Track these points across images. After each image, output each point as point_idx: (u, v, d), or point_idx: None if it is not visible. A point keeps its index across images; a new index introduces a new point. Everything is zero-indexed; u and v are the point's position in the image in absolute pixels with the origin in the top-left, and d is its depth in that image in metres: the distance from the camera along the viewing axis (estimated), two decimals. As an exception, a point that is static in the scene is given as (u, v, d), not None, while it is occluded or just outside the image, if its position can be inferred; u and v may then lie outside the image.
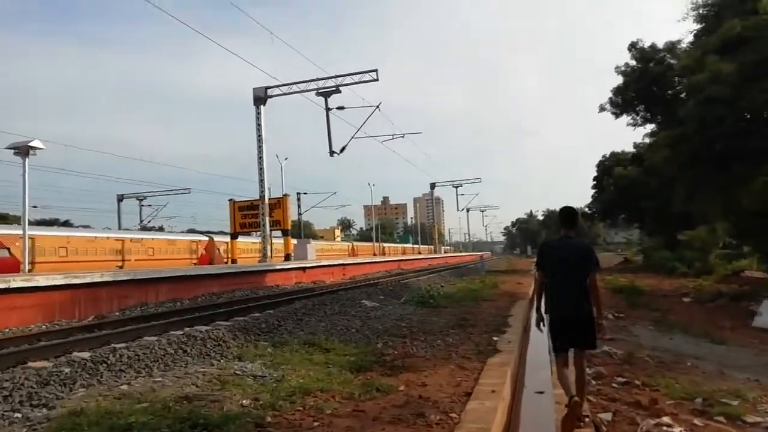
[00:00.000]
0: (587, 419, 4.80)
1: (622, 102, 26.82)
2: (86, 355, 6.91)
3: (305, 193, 52.50)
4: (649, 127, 29.25)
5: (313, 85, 25.55)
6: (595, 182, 43.61)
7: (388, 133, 29.42)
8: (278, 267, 21.94)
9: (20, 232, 34.49)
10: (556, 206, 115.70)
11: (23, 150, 14.74)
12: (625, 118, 28.13)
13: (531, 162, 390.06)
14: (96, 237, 38.70)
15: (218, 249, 45.95)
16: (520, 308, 14.41)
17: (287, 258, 28.41)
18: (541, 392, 7.44)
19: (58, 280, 12.26)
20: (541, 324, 5.26)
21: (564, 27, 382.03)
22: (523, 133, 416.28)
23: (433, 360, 7.71)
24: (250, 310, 12.35)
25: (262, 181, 25.91)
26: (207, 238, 47.26)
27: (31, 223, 65.05)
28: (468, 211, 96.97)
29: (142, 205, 58.82)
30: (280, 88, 25.98)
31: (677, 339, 11.49)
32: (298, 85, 25.78)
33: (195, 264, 42.80)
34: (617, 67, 26.43)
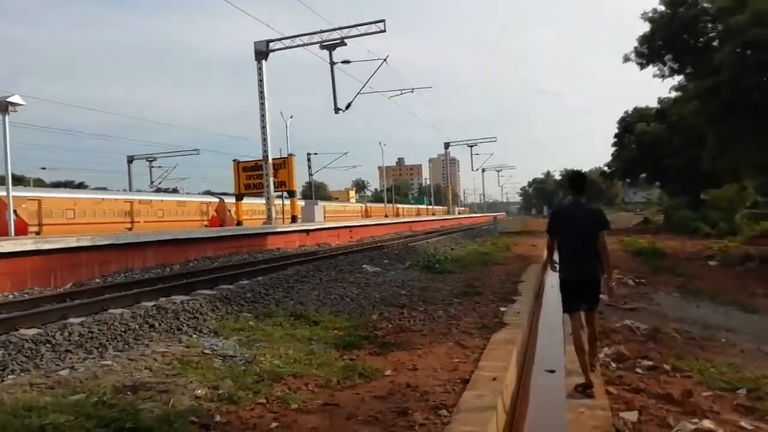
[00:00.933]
0: (591, 390, 4.72)
1: (649, 51, 24.81)
2: (31, 332, 6.13)
3: (315, 154, 51.38)
4: (677, 80, 27.40)
5: (316, 38, 24.13)
6: (615, 139, 41.65)
7: (398, 89, 27.79)
8: (279, 230, 21.10)
9: (26, 193, 34.38)
10: (574, 166, 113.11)
11: (2, 106, 13.89)
12: (651, 69, 26.17)
13: (548, 122, 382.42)
14: (104, 198, 38.31)
15: (229, 211, 45.44)
16: (532, 273, 13.46)
17: (293, 220, 27.60)
18: (552, 371, 6.58)
19: (28, 245, 11.50)
20: (555, 266, 5.38)
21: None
22: (540, 93, 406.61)
23: (430, 336, 6.84)
24: (241, 276, 11.52)
25: (264, 140, 24.85)
26: (217, 200, 46.79)
27: (45, 185, 65.43)
28: (483, 171, 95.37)
29: (152, 167, 58.42)
30: (283, 41, 24.60)
31: (705, 308, 10.47)
32: (301, 38, 24.36)
33: (206, 226, 42.43)
34: (644, 13, 24.40)
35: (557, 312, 10.02)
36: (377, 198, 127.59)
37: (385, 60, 23.71)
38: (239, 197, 29.42)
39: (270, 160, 25.13)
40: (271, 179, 25.20)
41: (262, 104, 24.68)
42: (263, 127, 24.80)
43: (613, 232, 33.69)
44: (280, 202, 31.41)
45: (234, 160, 28.75)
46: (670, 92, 30.32)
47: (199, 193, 57.49)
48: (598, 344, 5.44)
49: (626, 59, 25.73)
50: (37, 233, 31.78)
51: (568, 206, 5.41)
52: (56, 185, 67.15)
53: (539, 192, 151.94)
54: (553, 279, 13.53)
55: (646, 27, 24.87)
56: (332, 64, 23.90)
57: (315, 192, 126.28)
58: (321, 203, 34.24)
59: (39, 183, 66.23)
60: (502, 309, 8.54)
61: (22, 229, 30.77)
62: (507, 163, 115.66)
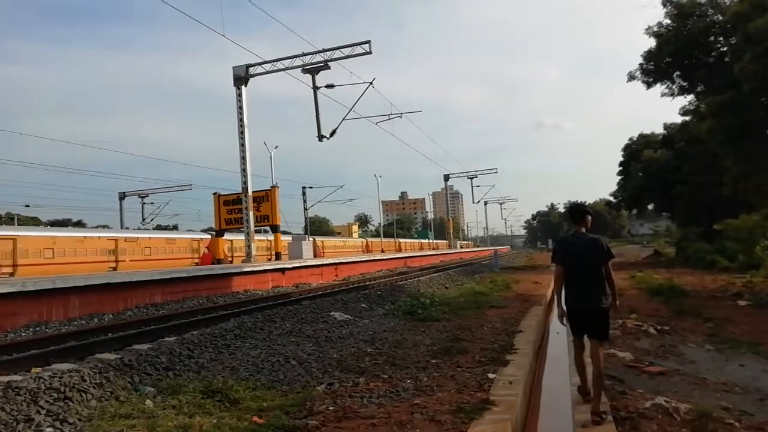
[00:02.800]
0: (605, 416, 4.81)
1: (655, 68, 22.97)
2: None
3: (311, 188, 49.65)
4: (687, 99, 25.54)
5: (299, 62, 22.64)
6: (621, 167, 39.67)
7: (386, 114, 26.00)
8: (247, 269, 19.00)
9: (1, 232, 32.55)
10: (578, 198, 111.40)
11: None
12: (659, 88, 24.27)
13: (551, 155, 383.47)
14: (86, 237, 36.61)
15: (224, 248, 43.58)
16: (533, 318, 11.37)
17: (277, 257, 25.64)
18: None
19: None
20: (564, 319, 5.40)
21: (581, 20, 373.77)
22: (542, 126, 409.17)
23: (383, 428, 4.78)
24: (178, 329, 9.49)
25: (244, 170, 23.09)
26: (209, 236, 44.98)
27: (41, 224, 63.70)
28: (486, 204, 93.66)
29: (144, 203, 56.88)
30: (263, 65, 23.13)
31: (751, 366, 8.31)
32: (282, 62, 22.88)
33: (197, 264, 40.50)
34: (648, 28, 22.60)
35: (563, 374, 7.87)
36: (380, 233, 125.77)
37: (371, 83, 22.16)
38: (219, 233, 27.51)
39: (250, 193, 23.30)
40: (251, 213, 23.32)
41: (242, 132, 23.03)
42: (242, 157, 23.07)
43: (623, 266, 31.57)
44: (266, 238, 29.38)
45: (214, 194, 26.97)
46: (680, 113, 28.41)
47: (202, 231, 55.80)
48: (603, 383, 5.22)
49: (631, 78, 23.99)
50: (11, 274, 29.93)
51: (570, 237, 5.46)
52: (53, 224, 65.72)
53: (543, 225, 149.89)
54: (558, 324, 11.43)
55: (651, 42, 23.26)
56: (315, 88, 22.33)
57: (318, 227, 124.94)
58: (311, 238, 32.17)
59: (35, 221, 64.83)
60: (491, 375, 6.48)
61: (-13, 270, 28.93)
62: (510, 195, 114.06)
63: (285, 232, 52.38)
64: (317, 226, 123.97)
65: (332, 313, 10.88)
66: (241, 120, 23.09)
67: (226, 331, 8.47)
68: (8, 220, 65.27)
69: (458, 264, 37.88)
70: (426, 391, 5.88)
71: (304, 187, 48.59)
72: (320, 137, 22.51)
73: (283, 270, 21.12)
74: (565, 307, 5.31)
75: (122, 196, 55.69)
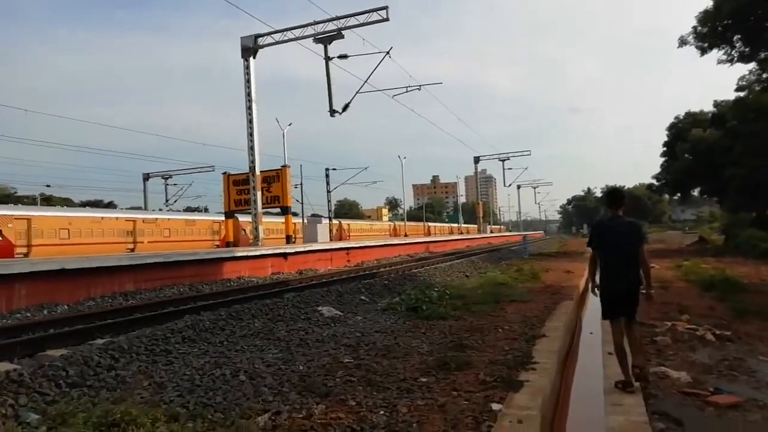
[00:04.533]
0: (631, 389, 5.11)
1: (711, 31, 20.06)
2: None
3: (334, 169, 48.01)
4: (746, 68, 22.54)
5: (310, 30, 20.87)
6: (665, 148, 36.55)
7: (403, 87, 23.80)
8: (239, 254, 17.45)
9: (16, 212, 32.09)
10: (616, 182, 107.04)
11: None
12: (715, 55, 21.21)
13: (587, 139, 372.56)
14: (103, 217, 36.09)
15: (243, 230, 42.68)
16: (562, 316, 9.49)
17: (288, 240, 24.19)
18: None
19: None
20: (596, 291, 5.57)
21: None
22: (578, 110, 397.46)
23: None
24: (116, 327, 7.91)
25: (251, 147, 21.60)
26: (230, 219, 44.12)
27: (73, 205, 64.20)
28: (519, 187, 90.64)
29: (167, 185, 56.37)
30: (272, 36, 21.46)
31: None
32: (292, 31, 21.15)
33: (217, 246, 39.70)
34: None
35: (597, 397, 6.04)
36: (411, 216, 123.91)
37: (387, 53, 20.22)
38: (229, 215, 26.17)
39: (258, 172, 21.82)
40: (259, 193, 21.87)
41: (249, 107, 21.50)
42: (250, 134, 21.57)
43: (666, 254, 28.96)
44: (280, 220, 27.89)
45: (224, 173, 25.61)
46: (736, 87, 25.33)
47: (218, 213, 55.11)
48: (644, 350, 5.69)
49: (683, 43, 21.12)
50: (26, 254, 29.46)
51: (607, 221, 5.59)
52: (85, 205, 66.18)
53: (579, 210, 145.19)
54: (593, 323, 9.56)
55: (707, 2, 20.17)
56: (327, 59, 20.56)
57: (348, 210, 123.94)
58: (335, 221, 30.53)
59: (67, 202, 65.40)
60: (495, 407, 4.75)
61: (7, 251, 28.46)
62: (544, 179, 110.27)
63: (315, 215, 51.21)
64: (347, 209, 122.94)
65: (320, 308, 9.23)
66: (248, 94, 21.55)
67: (173, 332, 6.90)
68: (33, 201, 66.21)
69: (485, 250, 35.79)
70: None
71: (327, 169, 46.87)
72: (332, 112, 20.77)
73: (285, 255, 19.60)
74: (599, 287, 5.50)
75: (146, 177, 55.35)
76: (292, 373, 5.83)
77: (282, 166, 24.42)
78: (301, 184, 54.45)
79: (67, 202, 65.37)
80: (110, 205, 72.69)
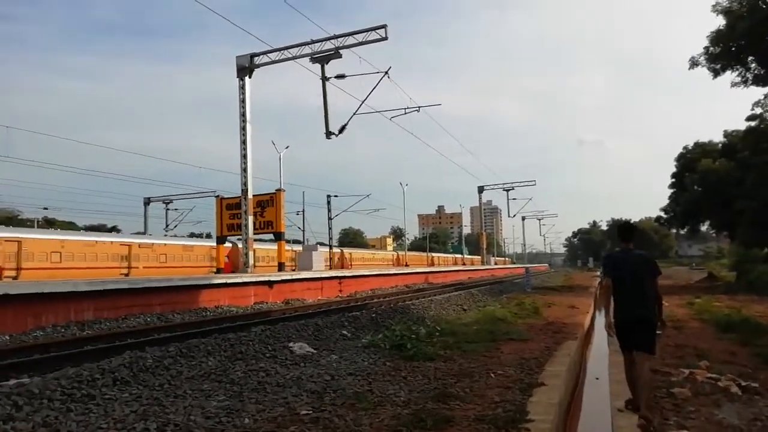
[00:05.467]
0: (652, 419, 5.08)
1: (724, 52, 19.15)
2: None
3: (336, 196, 47.24)
4: (761, 92, 21.48)
5: (308, 49, 20.29)
6: (673, 179, 35.51)
7: (402, 108, 22.95)
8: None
9: (5, 234, 31.32)
10: (621, 215, 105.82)
11: None
12: (728, 77, 20.14)
13: (593, 173, 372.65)
14: (97, 241, 35.38)
15: (243, 256, 41.74)
16: (564, 358, 8.42)
17: (280, 268, 23.21)
18: None
19: None
20: (611, 330, 5.53)
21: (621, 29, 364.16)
22: (583, 143, 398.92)
23: None
24: (41, 364, 6.85)
25: (245, 170, 20.82)
26: (230, 244, 43.32)
27: (77, 228, 63.40)
28: (524, 219, 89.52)
29: (168, 209, 55.62)
30: (269, 55, 20.90)
31: None
32: (289, 50, 20.59)
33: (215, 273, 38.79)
34: (716, 5, 19.04)
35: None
36: (415, 246, 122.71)
37: (386, 73, 19.56)
38: (221, 240, 25.26)
39: (250, 195, 20.99)
40: (251, 218, 21.00)
41: (243, 128, 20.81)
42: (243, 156, 20.82)
43: (674, 290, 27.65)
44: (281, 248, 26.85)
45: (217, 196, 24.81)
46: (753, 108, 24.37)
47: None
48: (649, 386, 5.58)
49: (694, 64, 20.25)
50: (15, 278, 28.61)
51: (620, 252, 5.62)
52: (88, 229, 65.46)
53: (585, 243, 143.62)
54: (599, 366, 8.71)
55: (719, 21, 19.27)
56: (324, 79, 19.93)
57: (352, 239, 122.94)
58: (321, 250, 29.53)
59: (71, 226, 64.71)
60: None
61: (-9, 273, 27.64)
62: (548, 210, 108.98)
63: (322, 244, 50.18)
64: (351, 238, 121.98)
65: (291, 345, 8.19)
66: (243, 114, 20.89)
67: (104, 372, 5.86)
68: (45, 223, 65.63)
69: (487, 282, 34.60)
70: None
71: (329, 196, 46.12)
72: (328, 134, 20.03)
73: (270, 283, 18.54)
74: (612, 320, 5.47)
75: (147, 202, 54.69)
76: (233, 429, 4.79)
77: (276, 190, 23.58)
78: (303, 210, 53.78)
79: (71, 226, 64.71)
80: (113, 230, 72.10)
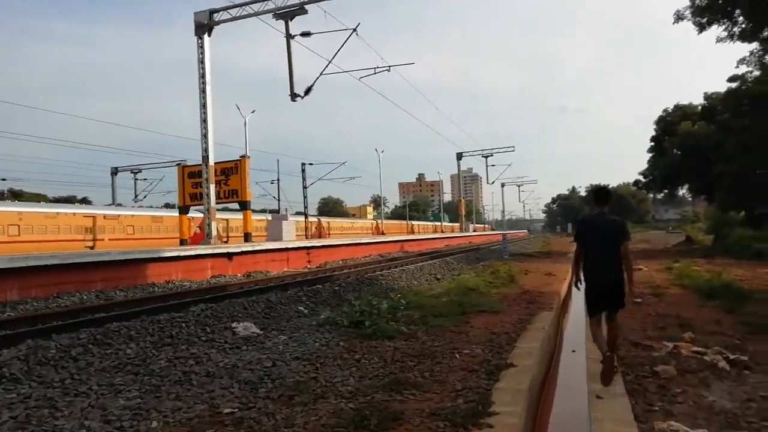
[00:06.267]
0: (616, 368, 5.34)
1: (711, 5, 18.21)
2: None
3: (311, 164, 45.90)
4: (747, 48, 20.59)
5: (271, 4, 18.87)
6: (652, 143, 34.94)
7: (371, 68, 21.53)
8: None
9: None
10: (600, 181, 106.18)
11: None
12: (714, 31, 19.15)
13: (572, 139, 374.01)
14: (58, 213, 33.84)
15: (217, 227, 40.53)
16: (538, 332, 7.72)
17: (246, 239, 22.20)
18: None
19: None
20: (578, 284, 5.70)
21: None
22: (565, 110, 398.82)
23: None
24: None
25: (205, 135, 19.55)
26: (201, 215, 42.02)
27: (47, 200, 61.18)
28: (503, 185, 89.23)
29: (137, 179, 53.73)
30: (230, 11, 19.43)
31: None
32: (251, 5, 19.12)
33: (188, 244, 37.66)
34: None
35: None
36: (395, 214, 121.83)
37: (354, 30, 18.25)
38: (184, 210, 24.06)
39: (212, 162, 19.77)
40: (212, 186, 19.85)
41: (203, 90, 19.44)
42: (203, 120, 19.51)
43: (652, 254, 27.32)
44: (262, 218, 25.78)
45: (178, 164, 23.50)
46: (738, 66, 23.62)
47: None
48: (618, 341, 6.03)
49: (678, 18, 19.22)
50: (-28, 252, 27.18)
51: (594, 216, 5.70)
52: (58, 200, 63.14)
53: (564, 209, 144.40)
54: (576, 337, 8.10)
55: None
56: (289, 37, 18.57)
57: (331, 208, 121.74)
58: (292, 219, 28.49)
59: (38, 198, 62.33)
60: None
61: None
62: (528, 177, 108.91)
63: (300, 213, 48.97)
64: (330, 207, 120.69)
65: (235, 325, 7.30)
66: (202, 75, 19.50)
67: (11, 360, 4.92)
68: (11, 195, 63.08)
69: (464, 249, 34.04)
70: None
71: (303, 164, 44.77)
72: (293, 96, 18.79)
73: (229, 255, 17.54)
74: (584, 281, 5.57)
75: (114, 172, 52.73)
76: (134, 435, 3.93)
77: (241, 157, 22.33)
78: (278, 179, 52.36)
79: (40, 198, 62.32)
80: (84, 202, 69.83)
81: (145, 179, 53.67)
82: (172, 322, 7.13)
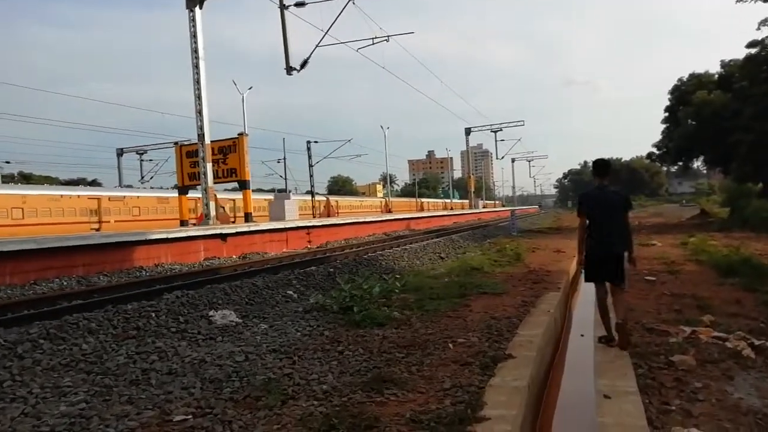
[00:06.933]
0: (613, 343, 5.43)
1: None
2: None
3: (316, 142, 45.19)
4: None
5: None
6: (667, 114, 33.73)
7: (368, 38, 20.56)
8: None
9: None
10: (613, 155, 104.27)
11: None
12: None
13: (584, 113, 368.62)
14: (63, 195, 33.59)
15: (223, 207, 40.16)
16: (543, 316, 7.12)
17: (246, 219, 21.69)
18: None
19: None
20: (581, 265, 5.81)
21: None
22: (573, 83, 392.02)
23: None
24: None
25: (200, 112, 18.89)
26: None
27: (58, 182, 61.26)
28: (513, 161, 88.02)
29: (143, 160, 53.41)
30: (221, -18, 18.58)
31: None
32: (243, -24, 18.28)
33: (194, 224, 37.39)
34: None
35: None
36: (405, 192, 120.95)
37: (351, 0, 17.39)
38: (182, 190, 23.55)
39: (208, 141, 19.14)
40: (209, 165, 19.26)
41: (196, 65, 18.73)
42: (198, 96, 18.83)
43: (666, 228, 26.43)
44: (264, 198, 25.22)
45: (175, 143, 22.91)
46: (759, 27, 22.45)
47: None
48: (629, 313, 5.99)
49: None
50: (-27, 235, 27.02)
51: (595, 190, 5.68)
52: (68, 183, 63.13)
53: (576, 184, 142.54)
54: (586, 320, 7.49)
55: None
56: (283, 7, 17.75)
57: (341, 187, 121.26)
58: (295, 197, 27.88)
59: (48, 180, 62.33)
60: None
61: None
62: (538, 152, 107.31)
63: (308, 192, 48.35)
64: (340, 186, 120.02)
65: (212, 314, 6.75)
66: (195, 50, 18.76)
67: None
68: (21, 178, 63.08)
69: (473, 226, 33.33)
70: None
71: (308, 142, 44.09)
72: (288, 69, 18.05)
73: (223, 236, 16.99)
74: (585, 252, 5.62)
75: (120, 153, 52.37)
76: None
77: (239, 134, 21.65)
78: (285, 158, 51.69)
79: (49, 180, 62.29)
80: (93, 184, 69.79)
81: (151, 160, 53.41)
82: (140, 312, 6.58)
